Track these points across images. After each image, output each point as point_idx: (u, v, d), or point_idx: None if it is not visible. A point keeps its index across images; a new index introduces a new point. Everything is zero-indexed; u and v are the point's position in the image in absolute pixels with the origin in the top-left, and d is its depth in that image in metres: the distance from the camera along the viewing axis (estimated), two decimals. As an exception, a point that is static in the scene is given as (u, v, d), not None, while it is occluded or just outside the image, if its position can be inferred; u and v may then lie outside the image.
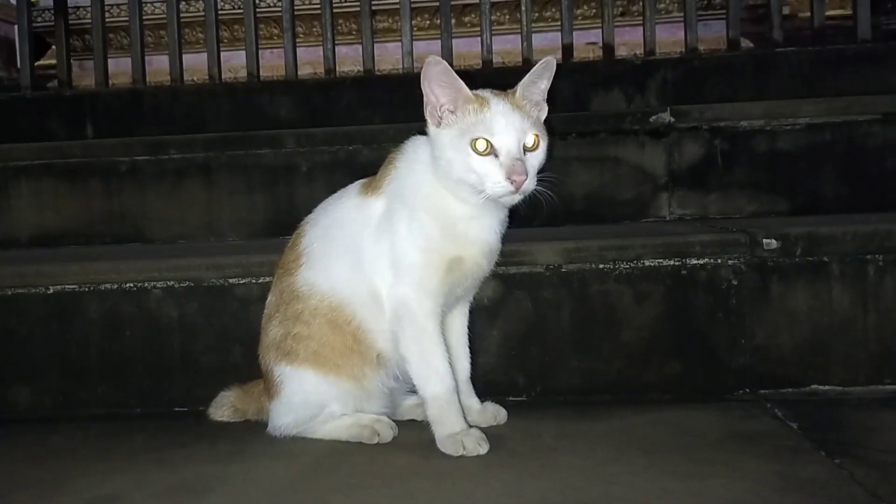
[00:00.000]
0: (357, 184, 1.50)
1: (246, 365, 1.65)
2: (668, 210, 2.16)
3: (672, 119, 2.13)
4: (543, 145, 1.35)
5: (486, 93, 1.33)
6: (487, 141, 1.28)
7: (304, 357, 1.40)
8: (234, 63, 3.31)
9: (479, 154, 1.28)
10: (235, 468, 1.32)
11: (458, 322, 1.49)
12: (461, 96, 1.31)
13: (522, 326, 1.65)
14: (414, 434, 1.40)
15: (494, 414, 1.48)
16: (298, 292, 1.42)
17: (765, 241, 1.60)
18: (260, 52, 2.91)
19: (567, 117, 2.22)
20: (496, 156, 1.28)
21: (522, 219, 2.13)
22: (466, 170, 1.29)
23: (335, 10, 2.88)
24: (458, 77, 1.31)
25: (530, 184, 1.30)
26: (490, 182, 1.28)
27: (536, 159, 1.33)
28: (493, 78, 2.70)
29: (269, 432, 1.45)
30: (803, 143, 2.14)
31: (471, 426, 1.37)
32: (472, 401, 1.48)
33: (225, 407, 1.56)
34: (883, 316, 1.61)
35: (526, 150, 1.31)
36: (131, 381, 1.68)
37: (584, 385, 1.64)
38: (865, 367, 1.61)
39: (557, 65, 2.74)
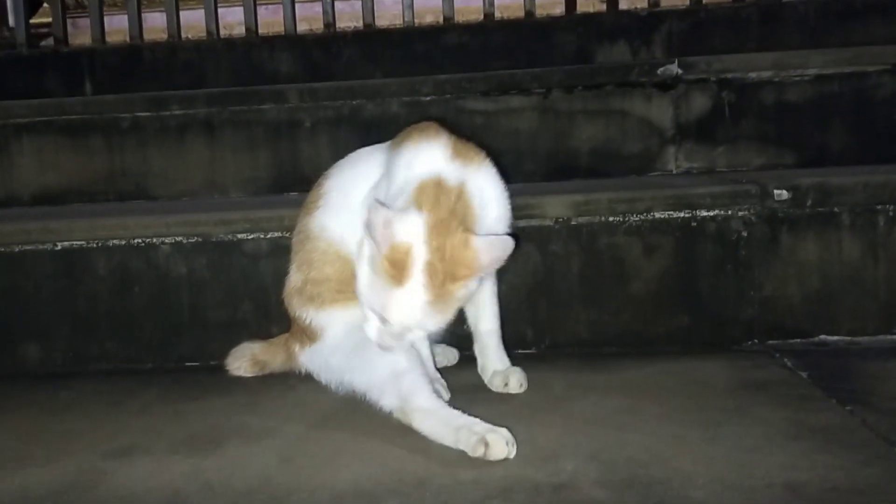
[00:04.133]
0: (389, 143, 1.47)
1: (255, 320, 1.66)
2: (674, 164, 2.14)
3: (680, 71, 2.11)
4: (438, 328, 1.22)
5: (418, 256, 1.14)
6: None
7: (331, 298, 1.39)
8: (230, 20, 3.27)
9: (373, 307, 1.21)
10: (250, 419, 1.33)
11: (484, 294, 1.42)
12: (383, 260, 1.16)
13: (531, 280, 1.65)
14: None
15: (505, 380, 1.41)
16: (311, 234, 1.43)
17: (775, 192, 1.59)
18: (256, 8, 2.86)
19: (573, 70, 2.20)
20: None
21: (525, 174, 2.15)
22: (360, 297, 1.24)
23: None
24: (388, 236, 1.15)
25: (398, 348, 1.24)
26: (366, 325, 1.22)
27: (422, 334, 1.24)
28: (496, 33, 2.70)
29: (314, 376, 1.44)
30: (812, 94, 2.12)
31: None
32: (490, 361, 1.44)
33: (244, 358, 1.54)
34: (892, 266, 1.61)
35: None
36: (141, 337, 1.68)
37: (592, 338, 1.65)
38: (874, 318, 1.61)
39: (559, 18, 2.74)
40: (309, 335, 1.41)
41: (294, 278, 1.45)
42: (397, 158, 1.31)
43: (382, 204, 1.19)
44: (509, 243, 1.17)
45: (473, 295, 1.38)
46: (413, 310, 1.16)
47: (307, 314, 1.41)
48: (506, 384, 1.41)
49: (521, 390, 1.40)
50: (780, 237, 1.61)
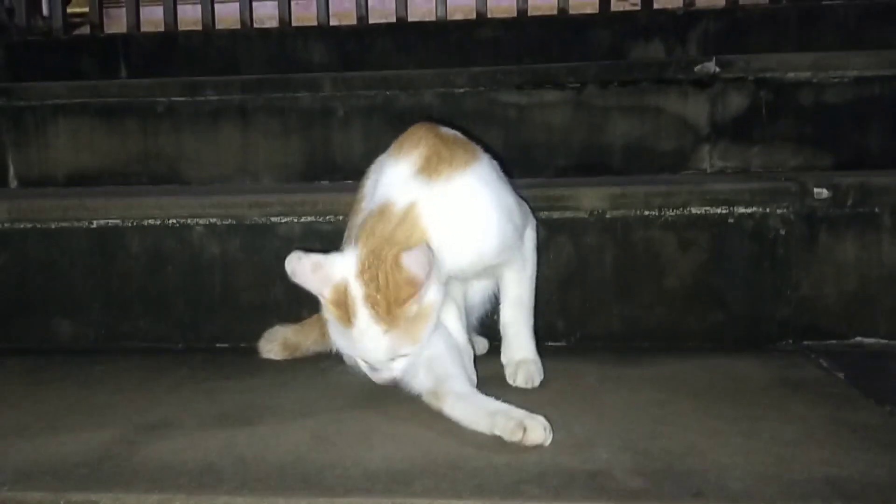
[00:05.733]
0: None
1: (286, 303, 1.66)
2: (708, 163, 2.12)
3: (717, 69, 2.08)
4: (413, 350, 1.20)
5: (358, 298, 1.15)
6: None
7: None
8: (261, 13, 3.27)
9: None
10: (283, 399, 1.33)
11: (506, 281, 1.40)
12: (327, 305, 1.19)
13: (563, 272, 1.64)
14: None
15: (514, 373, 1.39)
16: None
17: (815, 190, 1.57)
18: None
19: (608, 66, 2.18)
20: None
21: (557, 169, 2.14)
22: None
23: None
24: (324, 279, 1.18)
25: (395, 379, 1.23)
26: (362, 366, 1.24)
27: (406, 361, 1.21)
28: (530, 28, 2.69)
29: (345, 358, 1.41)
30: (850, 96, 2.09)
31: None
32: (506, 350, 1.43)
33: (276, 342, 1.55)
34: (933, 269, 1.58)
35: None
36: (172, 317, 1.69)
37: (624, 332, 1.64)
38: (912, 321, 1.59)
39: (594, 14, 2.72)
40: None
41: None
42: (380, 171, 1.31)
43: (305, 252, 1.19)
44: (424, 251, 1.13)
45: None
46: (375, 344, 1.16)
47: None
48: (514, 379, 1.38)
49: (528, 386, 1.35)
50: (819, 236, 1.59)
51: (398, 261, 1.14)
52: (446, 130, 1.34)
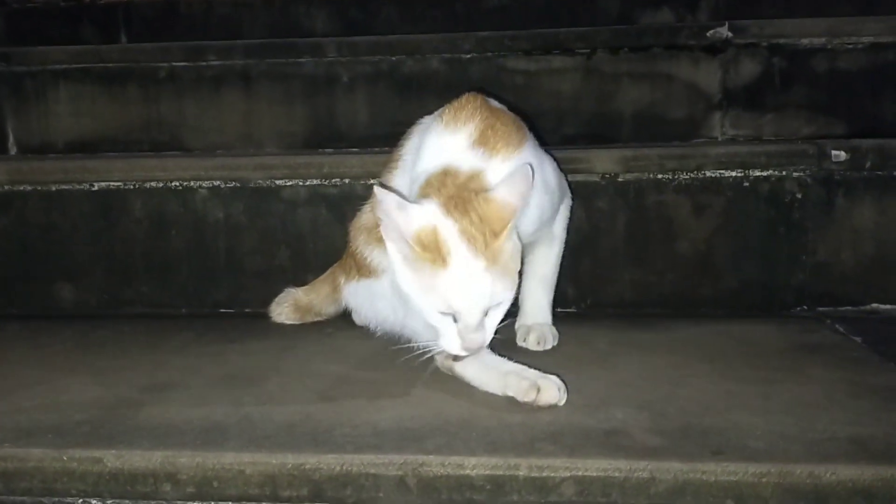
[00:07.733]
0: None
1: (291, 268, 1.63)
2: (720, 130, 2.08)
3: (730, 34, 2.04)
4: (510, 295, 1.10)
5: (452, 234, 1.05)
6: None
7: None
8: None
9: (437, 312, 1.08)
10: (289, 361, 1.31)
11: (532, 256, 1.38)
12: (412, 245, 1.06)
13: (574, 237, 1.59)
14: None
15: (525, 335, 1.38)
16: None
17: (833, 152, 1.53)
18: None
19: (619, 31, 2.14)
20: (454, 319, 1.07)
21: (565, 137, 2.10)
22: (422, 315, 1.12)
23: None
24: (408, 221, 1.06)
25: (485, 342, 1.10)
26: (443, 340, 1.09)
27: (499, 313, 1.10)
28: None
29: (353, 311, 1.44)
30: (865, 63, 2.05)
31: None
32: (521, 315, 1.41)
33: (286, 304, 1.52)
34: (952, 234, 1.55)
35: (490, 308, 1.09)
36: (176, 282, 1.65)
37: (636, 298, 1.61)
38: (930, 287, 1.56)
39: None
40: (363, 271, 1.37)
41: (367, 217, 1.38)
42: (426, 137, 1.25)
43: (390, 189, 1.12)
44: (527, 169, 1.08)
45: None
46: (477, 283, 1.04)
47: (370, 252, 1.34)
48: (525, 339, 1.36)
49: (539, 348, 1.34)
50: (836, 200, 1.56)
51: (487, 197, 1.08)
52: (494, 102, 1.30)
